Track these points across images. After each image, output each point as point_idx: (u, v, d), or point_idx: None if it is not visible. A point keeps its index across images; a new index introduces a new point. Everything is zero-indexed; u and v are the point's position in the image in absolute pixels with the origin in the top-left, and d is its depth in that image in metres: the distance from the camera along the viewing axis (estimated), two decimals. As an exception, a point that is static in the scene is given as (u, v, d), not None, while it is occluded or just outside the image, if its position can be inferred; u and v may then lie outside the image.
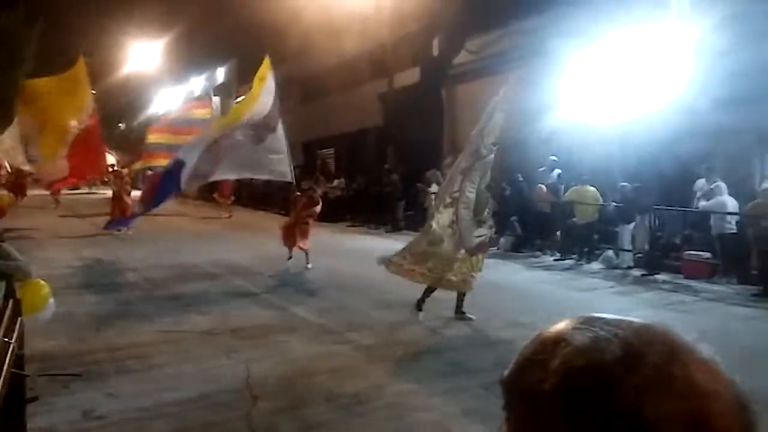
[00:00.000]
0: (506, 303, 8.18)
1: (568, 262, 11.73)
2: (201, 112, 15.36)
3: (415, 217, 17.28)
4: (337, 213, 18.05)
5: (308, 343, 6.33)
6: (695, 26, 10.71)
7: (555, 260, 11.96)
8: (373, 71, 21.35)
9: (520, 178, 13.81)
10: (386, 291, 8.25)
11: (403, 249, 7.28)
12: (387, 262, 7.25)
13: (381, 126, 21.22)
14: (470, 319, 7.16)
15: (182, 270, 10.53)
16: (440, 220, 7.10)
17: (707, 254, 9.81)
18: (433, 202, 16.51)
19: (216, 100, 35.41)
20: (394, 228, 16.71)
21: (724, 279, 9.42)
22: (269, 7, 22.33)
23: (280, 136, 10.25)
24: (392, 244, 10.75)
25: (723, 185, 9.80)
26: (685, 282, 9.60)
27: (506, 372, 0.63)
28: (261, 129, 10.03)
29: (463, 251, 7.02)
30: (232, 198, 20.88)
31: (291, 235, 10.56)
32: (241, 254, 12.05)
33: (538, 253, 12.84)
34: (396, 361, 5.86)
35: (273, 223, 13.94)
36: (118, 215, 14.57)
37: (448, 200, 7.14)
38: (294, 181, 10.84)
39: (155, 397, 4.76)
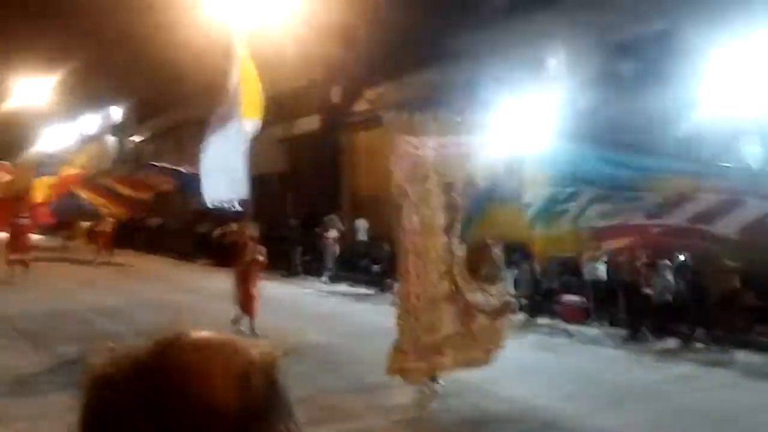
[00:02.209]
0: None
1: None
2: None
3: (312, 263, 17.23)
4: (234, 256, 17.62)
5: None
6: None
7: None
8: (275, 116, 21.36)
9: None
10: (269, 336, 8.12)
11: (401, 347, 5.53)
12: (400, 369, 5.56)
13: (282, 171, 21.16)
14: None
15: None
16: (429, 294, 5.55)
17: (582, 299, 10.33)
18: (333, 248, 16.72)
19: (112, 139, 34.24)
20: (291, 273, 16.55)
21: (596, 322, 9.93)
22: (170, 47, 22.00)
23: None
24: (290, 288, 10.58)
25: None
26: (563, 325, 10.05)
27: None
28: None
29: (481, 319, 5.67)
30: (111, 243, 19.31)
31: (249, 296, 8.64)
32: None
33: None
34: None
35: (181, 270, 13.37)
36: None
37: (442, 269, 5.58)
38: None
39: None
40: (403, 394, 6.03)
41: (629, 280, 9.39)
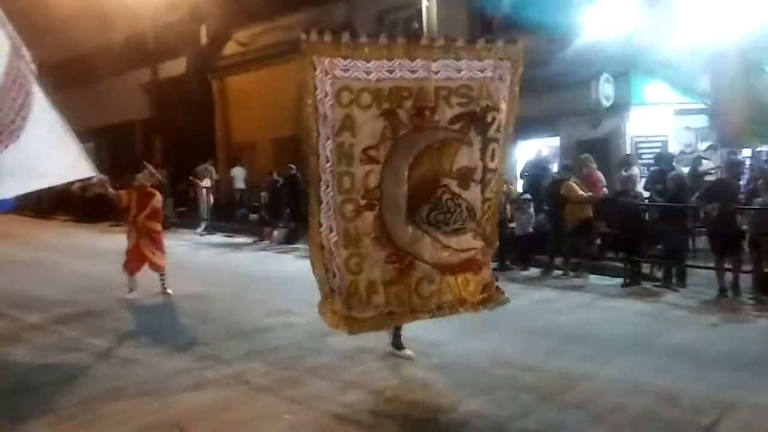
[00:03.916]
0: (271, 293, 8.20)
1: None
2: None
3: (188, 213, 16.59)
4: (98, 212, 16.59)
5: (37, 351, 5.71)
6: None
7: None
8: (137, 60, 19.92)
9: (293, 169, 13.89)
10: (140, 290, 7.83)
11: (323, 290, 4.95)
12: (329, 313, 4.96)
13: (147, 118, 19.94)
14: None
15: None
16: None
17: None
18: (208, 198, 16.15)
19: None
20: (164, 226, 15.80)
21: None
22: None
23: (43, 112, 6.12)
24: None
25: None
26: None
27: None
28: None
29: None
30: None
31: (138, 255, 7.84)
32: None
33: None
34: (144, 356, 5.52)
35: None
36: None
37: (360, 202, 4.80)
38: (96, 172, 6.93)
39: None
40: (280, 338, 6.06)
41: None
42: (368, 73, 4.72)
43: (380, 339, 5.53)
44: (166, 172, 16.74)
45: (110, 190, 7.94)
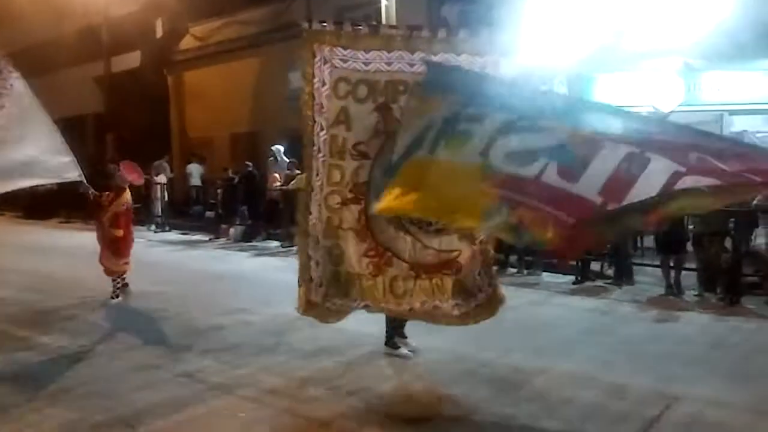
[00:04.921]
0: (227, 292, 8.13)
1: (295, 248, 12.02)
2: None
3: (142, 210, 16.22)
4: (47, 208, 16.12)
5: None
6: None
7: (281, 247, 12.16)
8: (90, 52, 19.38)
9: (250, 167, 13.76)
10: (89, 288, 7.74)
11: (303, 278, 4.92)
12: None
13: (100, 112, 19.44)
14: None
15: None
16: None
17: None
18: (162, 194, 15.80)
19: None
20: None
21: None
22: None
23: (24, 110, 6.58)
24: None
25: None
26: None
27: None
28: None
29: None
30: None
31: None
32: None
33: (269, 241, 12.94)
34: (95, 355, 5.40)
35: None
36: None
37: (347, 195, 4.77)
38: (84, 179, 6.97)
39: None
40: (236, 336, 6.01)
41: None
42: (366, 64, 4.62)
43: (338, 337, 5.55)
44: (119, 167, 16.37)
45: (92, 191, 7.59)
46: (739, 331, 6.14)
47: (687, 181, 3.36)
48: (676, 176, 3.37)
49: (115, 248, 7.56)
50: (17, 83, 6.57)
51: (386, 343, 5.40)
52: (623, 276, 8.35)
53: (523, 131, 3.72)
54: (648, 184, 3.43)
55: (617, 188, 3.50)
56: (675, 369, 5.03)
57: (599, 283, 8.41)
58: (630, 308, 7.19)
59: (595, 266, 8.82)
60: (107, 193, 7.56)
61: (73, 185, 7.09)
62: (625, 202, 3.49)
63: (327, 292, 4.82)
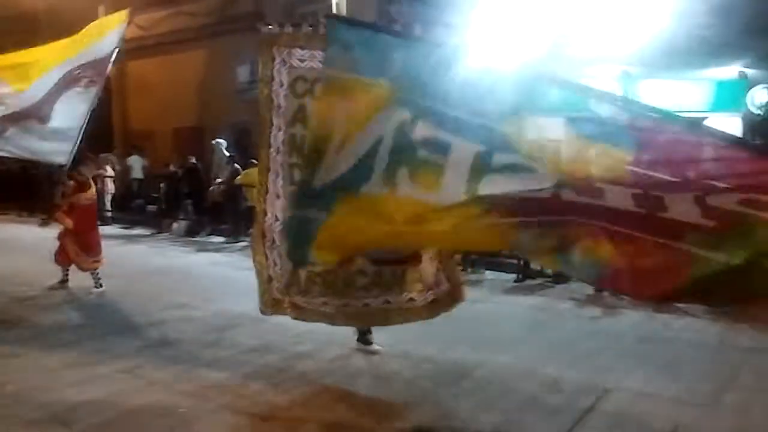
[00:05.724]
0: (169, 287, 7.96)
1: (240, 244, 11.86)
2: None
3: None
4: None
5: None
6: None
7: (226, 243, 12.00)
8: (28, 40, 18.58)
9: (194, 161, 13.53)
10: (27, 283, 7.43)
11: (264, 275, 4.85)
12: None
13: (37, 101, 18.69)
14: None
15: None
16: None
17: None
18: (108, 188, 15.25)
19: None
20: (53, 217, 14.90)
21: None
22: None
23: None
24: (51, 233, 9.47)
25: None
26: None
27: None
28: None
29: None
30: None
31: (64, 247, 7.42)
32: None
33: (213, 237, 12.73)
34: (29, 351, 5.22)
35: None
36: None
37: None
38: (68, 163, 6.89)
39: None
40: (177, 332, 5.91)
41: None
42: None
43: (281, 333, 5.54)
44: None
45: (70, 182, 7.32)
46: (670, 328, 6.44)
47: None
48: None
49: (84, 245, 7.43)
50: None
51: (358, 339, 5.40)
52: (563, 275, 8.61)
53: (505, 149, 3.17)
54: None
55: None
56: (608, 362, 5.24)
57: (540, 281, 8.66)
58: (568, 306, 7.44)
59: (535, 265, 9.06)
60: (72, 182, 7.46)
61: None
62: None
63: (288, 291, 4.76)
